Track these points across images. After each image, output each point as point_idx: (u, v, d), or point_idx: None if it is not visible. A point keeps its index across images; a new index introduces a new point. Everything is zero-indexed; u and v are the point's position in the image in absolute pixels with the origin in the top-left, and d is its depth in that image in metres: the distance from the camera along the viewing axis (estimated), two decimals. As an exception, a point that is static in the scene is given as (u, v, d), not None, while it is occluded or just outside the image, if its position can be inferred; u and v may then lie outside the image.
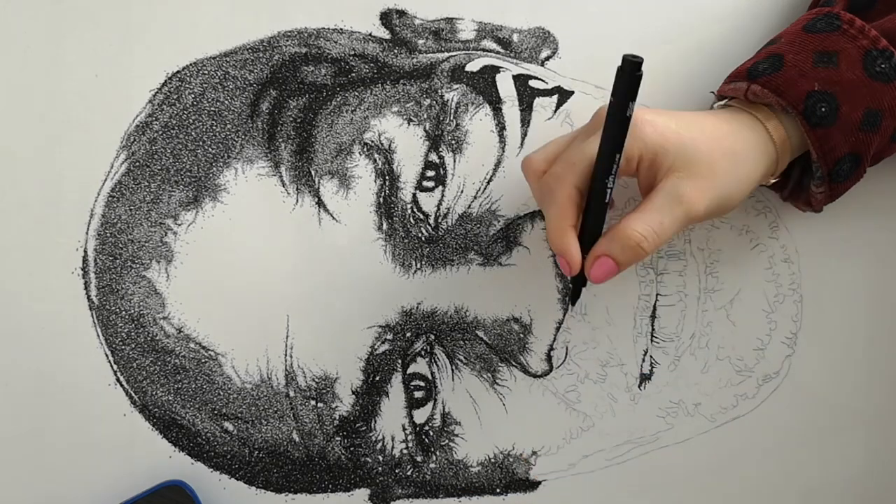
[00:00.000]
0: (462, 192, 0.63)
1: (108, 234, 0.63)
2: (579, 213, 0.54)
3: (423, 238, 0.63)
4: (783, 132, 0.56)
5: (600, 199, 0.52)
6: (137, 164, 0.63)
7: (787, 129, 0.56)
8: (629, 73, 0.49)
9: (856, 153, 0.55)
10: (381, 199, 0.63)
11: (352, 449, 0.64)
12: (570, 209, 0.53)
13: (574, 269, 0.54)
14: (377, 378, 0.63)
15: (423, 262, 0.63)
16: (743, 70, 0.57)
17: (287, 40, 0.64)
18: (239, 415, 0.63)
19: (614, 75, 0.50)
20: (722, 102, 0.60)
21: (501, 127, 0.64)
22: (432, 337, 0.63)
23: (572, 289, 0.58)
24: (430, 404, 0.64)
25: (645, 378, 0.64)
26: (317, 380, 0.63)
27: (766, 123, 0.56)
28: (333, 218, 0.63)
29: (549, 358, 0.64)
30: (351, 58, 0.64)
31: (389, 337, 0.63)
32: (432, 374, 0.63)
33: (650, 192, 0.54)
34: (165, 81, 0.64)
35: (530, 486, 0.64)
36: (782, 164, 0.57)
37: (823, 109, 0.54)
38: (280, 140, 0.63)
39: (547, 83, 0.64)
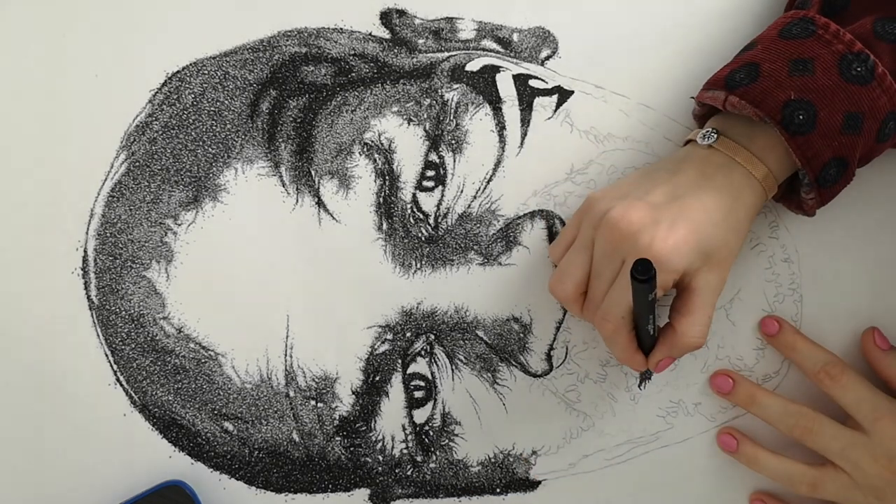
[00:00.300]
0: (462, 191, 0.63)
1: (108, 234, 0.63)
2: (635, 340, 0.58)
3: (423, 238, 0.63)
4: (769, 167, 0.56)
5: (647, 332, 0.57)
6: (137, 164, 0.63)
7: (771, 147, 0.56)
8: (646, 280, 0.49)
9: (840, 157, 0.55)
10: (381, 199, 0.63)
11: (352, 449, 0.64)
12: (630, 345, 0.58)
13: (642, 369, 0.59)
14: (377, 378, 0.63)
15: (423, 262, 0.63)
16: (720, 78, 0.57)
17: (287, 40, 0.64)
18: (239, 415, 0.63)
19: (631, 282, 0.50)
20: (703, 104, 0.59)
21: (501, 126, 0.64)
22: (432, 337, 0.63)
23: (640, 378, 0.64)
24: (430, 404, 0.64)
25: (645, 378, 0.64)
26: (317, 380, 0.63)
27: (753, 171, 0.56)
28: (333, 218, 0.63)
29: (549, 358, 0.63)
30: (351, 57, 0.64)
31: (389, 337, 0.63)
32: (432, 373, 0.63)
33: (686, 293, 0.57)
34: (165, 81, 0.64)
35: (530, 485, 0.64)
36: (774, 190, 0.58)
37: (801, 117, 0.54)
38: (280, 140, 0.63)
39: (547, 83, 0.64)
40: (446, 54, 0.64)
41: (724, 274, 0.57)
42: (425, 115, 0.64)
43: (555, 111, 0.64)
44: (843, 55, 0.54)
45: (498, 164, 0.64)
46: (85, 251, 0.63)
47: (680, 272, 0.55)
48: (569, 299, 0.58)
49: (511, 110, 0.64)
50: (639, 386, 0.64)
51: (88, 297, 0.63)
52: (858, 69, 0.54)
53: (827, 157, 0.55)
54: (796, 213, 0.61)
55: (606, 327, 0.57)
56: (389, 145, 0.63)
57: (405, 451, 0.64)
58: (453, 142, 0.63)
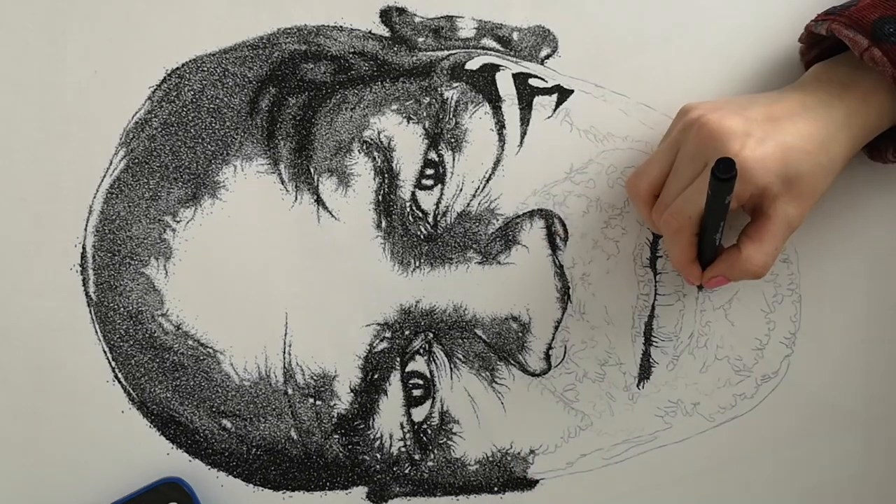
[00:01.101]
0: (461, 190, 0.63)
1: (107, 231, 0.63)
2: (696, 246, 0.58)
3: (421, 236, 0.63)
4: (883, 109, 0.56)
5: (712, 242, 0.57)
6: (136, 160, 0.63)
7: (870, 100, 0.56)
8: (725, 180, 0.49)
9: None
10: (380, 197, 0.63)
11: (350, 447, 0.64)
12: (690, 250, 0.57)
13: (696, 283, 0.60)
14: (375, 376, 0.63)
15: (422, 261, 0.63)
16: (867, 22, 0.55)
17: (287, 38, 0.64)
18: (237, 412, 0.63)
19: (710, 179, 0.50)
20: (823, 29, 0.57)
21: (501, 125, 0.64)
22: (431, 335, 0.63)
23: (698, 287, 0.64)
24: (428, 402, 0.64)
25: (643, 377, 0.64)
26: (315, 377, 0.63)
27: (858, 116, 0.55)
28: (332, 216, 0.63)
29: (547, 357, 0.63)
30: (350, 55, 0.64)
31: (388, 335, 0.63)
32: (431, 372, 0.63)
33: (761, 218, 0.56)
34: (165, 78, 0.64)
35: (528, 484, 0.64)
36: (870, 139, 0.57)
37: None
38: (279, 137, 0.63)
39: (546, 81, 0.64)
40: (446, 53, 0.64)
41: (803, 209, 0.55)
42: (425, 114, 0.63)
43: (554, 110, 0.64)
44: None
45: (497, 162, 0.64)
46: (83, 248, 0.63)
47: (760, 188, 0.54)
48: (640, 197, 0.58)
49: (510, 109, 0.64)
50: (637, 385, 0.64)
51: (87, 294, 0.63)
52: None
53: None
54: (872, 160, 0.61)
55: (672, 225, 0.56)
56: (389, 143, 0.63)
57: (403, 450, 0.64)
58: (453, 140, 0.63)
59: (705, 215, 0.54)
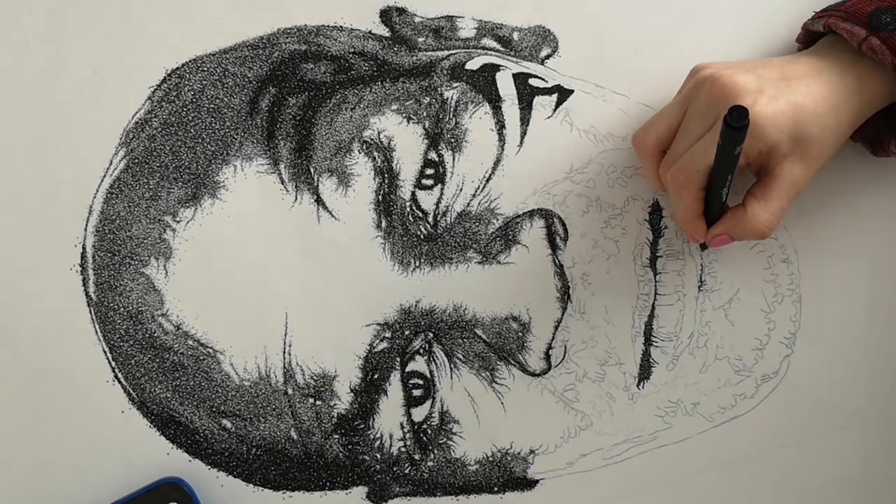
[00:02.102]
0: (461, 190, 0.63)
1: (107, 231, 0.63)
2: (702, 202, 0.57)
3: (421, 236, 0.63)
4: (884, 89, 0.56)
5: (718, 197, 0.56)
6: (136, 160, 0.63)
7: (886, 82, 0.56)
8: (738, 128, 0.49)
9: None
10: (381, 197, 0.63)
11: (350, 447, 0.64)
12: (696, 206, 0.57)
13: (700, 240, 0.60)
14: (375, 376, 0.63)
15: (422, 261, 0.63)
16: (863, 14, 0.56)
17: (287, 38, 0.64)
18: (237, 412, 0.63)
19: (721, 128, 0.50)
20: (821, 23, 0.58)
21: (501, 125, 0.64)
22: (431, 335, 0.63)
23: (700, 245, 0.64)
24: (428, 402, 0.64)
25: (643, 377, 0.64)
26: (315, 377, 0.63)
27: (869, 83, 0.56)
28: (332, 216, 0.63)
29: (547, 357, 0.63)
30: (350, 55, 0.64)
31: (388, 335, 0.63)
32: (431, 372, 0.63)
33: (767, 178, 0.56)
34: (165, 78, 0.64)
35: (528, 484, 0.64)
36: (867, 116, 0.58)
37: None
38: (279, 137, 0.63)
39: (547, 82, 0.64)
40: (446, 53, 0.64)
41: (810, 170, 0.56)
42: (425, 114, 0.63)
43: (554, 110, 0.64)
44: None
45: (497, 162, 0.64)
46: (83, 248, 0.63)
47: (769, 146, 0.54)
48: (646, 151, 0.58)
49: (510, 109, 0.64)
50: (637, 385, 0.64)
51: (87, 294, 0.63)
52: None
53: None
54: (856, 142, 0.61)
55: (679, 179, 0.56)
56: (389, 143, 0.63)
57: (403, 450, 0.64)
58: (453, 140, 0.63)
59: (714, 168, 0.54)
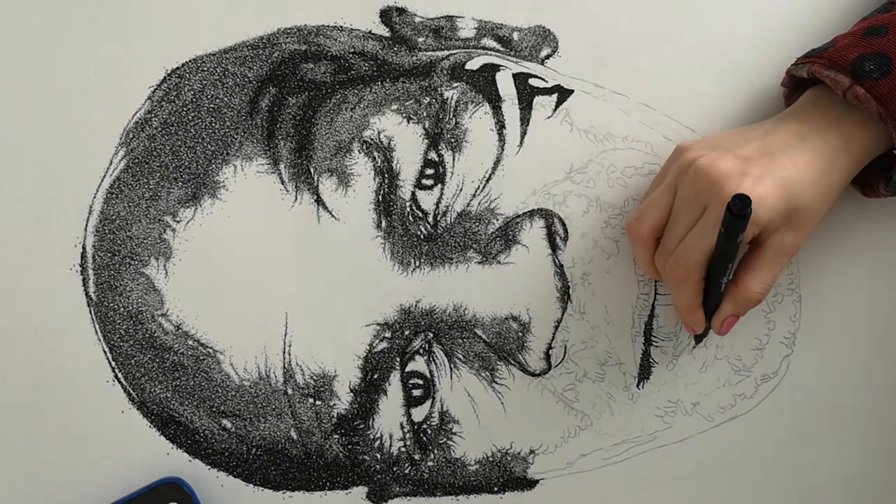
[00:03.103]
0: (461, 190, 0.63)
1: (107, 231, 0.63)
2: (703, 292, 0.57)
3: (421, 236, 0.63)
4: (872, 143, 0.56)
5: (718, 286, 0.56)
6: (136, 160, 0.63)
7: (857, 136, 0.56)
8: (740, 216, 0.49)
9: None
10: (381, 197, 0.63)
11: (350, 447, 0.64)
12: (697, 296, 0.57)
13: (699, 331, 0.60)
14: (375, 376, 0.63)
15: (422, 261, 0.63)
16: (846, 61, 0.55)
17: (287, 37, 0.64)
18: (237, 412, 0.63)
19: (724, 216, 0.50)
20: (804, 69, 0.58)
21: (501, 125, 0.64)
22: (431, 335, 0.63)
23: (696, 339, 0.64)
24: (428, 402, 0.64)
25: (643, 377, 0.64)
26: (315, 377, 0.63)
27: (856, 141, 0.55)
28: (332, 216, 0.63)
29: (547, 357, 0.63)
30: (350, 55, 0.64)
31: (388, 335, 0.63)
32: (430, 372, 0.63)
33: (758, 249, 0.56)
34: (165, 78, 0.64)
35: (528, 484, 0.64)
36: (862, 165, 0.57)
37: None
38: (279, 137, 0.63)
39: (547, 82, 0.64)
40: (446, 53, 0.64)
41: (801, 237, 0.56)
42: (425, 114, 0.63)
43: (554, 110, 0.64)
44: None
45: (497, 162, 0.64)
46: (83, 248, 0.63)
47: (761, 226, 0.54)
48: (642, 239, 0.58)
49: (511, 109, 0.64)
50: (637, 385, 0.64)
51: (87, 294, 0.63)
52: None
53: None
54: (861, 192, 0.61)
55: (678, 272, 0.56)
56: (389, 143, 0.63)
57: (403, 450, 0.64)
58: (453, 140, 0.63)
59: (715, 256, 0.54)
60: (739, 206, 0.48)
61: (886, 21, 0.56)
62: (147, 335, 0.63)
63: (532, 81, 0.64)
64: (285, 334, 0.63)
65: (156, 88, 0.64)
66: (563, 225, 0.63)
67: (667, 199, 0.57)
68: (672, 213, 0.57)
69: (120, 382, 0.63)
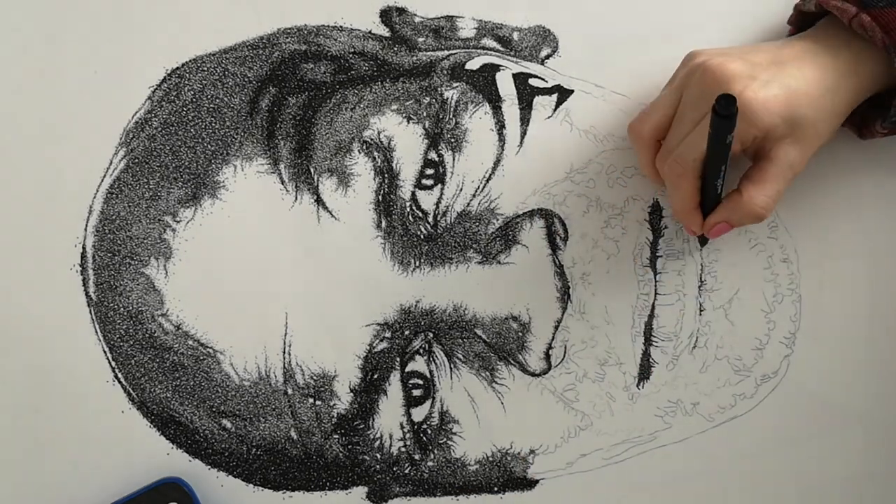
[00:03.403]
0: (461, 190, 0.63)
1: (107, 231, 0.63)
2: (699, 193, 0.57)
3: (421, 236, 0.63)
4: (876, 74, 0.56)
5: (714, 188, 0.56)
6: (136, 160, 0.63)
7: (863, 62, 0.56)
8: (726, 116, 0.49)
9: None
10: (381, 197, 0.63)
11: (350, 447, 0.64)
12: (693, 196, 0.57)
13: (697, 233, 0.59)
14: (375, 376, 0.63)
15: (422, 261, 0.63)
16: None
17: (287, 38, 0.64)
18: (237, 412, 0.63)
19: (711, 116, 0.50)
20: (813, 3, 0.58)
21: (501, 125, 0.64)
22: (431, 335, 0.63)
23: (699, 240, 0.63)
24: (428, 402, 0.64)
25: (643, 377, 0.64)
26: (315, 377, 0.63)
27: (864, 64, 0.55)
28: (332, 216, 0.63)
29: (547, 357, 0.63)
30: (350, 55, 0.64)
31: (388, 335, 0.63)
32: (431, 372, 0.63)
33: (763, 161, 0.56)
34: (165, 78, 0.64)
35: (528, 484, 0.64)
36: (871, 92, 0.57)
37: None
38: (279, 137, 0.63)
39: (547, 81, 0.64)
40: (446, 53, 0.64)
41: (806, 152, 0.55)
42: (425, 114, 0.63)
43: (554, 110, 0.64)
44: None
45: (497, 162, 0.64)
46: (83, 248, 0.63)
47: (763, 130, 0.54)
48: (642, 139, 0.58)
49: (511, 109, 0.64)
50: (637, 385, 0.64)
51: (87, 294, 0.63)
52: None
53: None
54: (847, 128, 0.61)
55: (675, 170, 0.56)
56: (389, 143, 0.63)
57: (403, 450, 0.64)
58: (453, 140, 0.63)
59: (707, 157, 0.54)
60: (724, 106, 0.48)
61: None
62: (147, 335, 0.63)
63: (532, 81, 0.64)
64: (285, 334, 0.63)
65: (156, 88, 0.64)
66: (563, 225, 0.63)
67: (672, 101, 0.57)
68: (677, 113, 0.57)
69: (120, 382, 0.63)
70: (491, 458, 0.64)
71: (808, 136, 0.55)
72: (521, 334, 0.63)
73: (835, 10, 0.56)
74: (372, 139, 0.63)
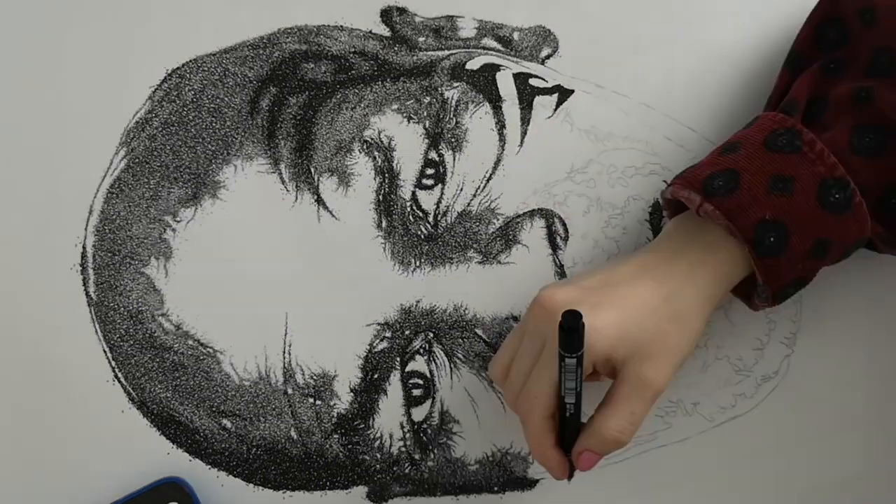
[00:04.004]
0: (461, 190, 0.63)
1: (107, 231, 0.63)
2: (554, 427, 0.56)
3: (422, 236, 0.63)
4: (733, 256, 0.54)
5: (573, 418, 0.55)
6: (137, 160, 0.63)
7: (734, 247, 0.54)
8: (572, 331, 0.49)
9: (802, 278, 0.54)
10: (381, 197, 0.63)
11: (350, 447, 0.64)
12: (544, 434, 0.55)
13: (560, 476, 0.57)
14: (376, 376, 0.63)
15: (423, 260, 0.63)
16: (698, 180, 0.54)
17: (287, 37, 0.64)
18: (237, 412, 0.63)
19: (558, 332, 0.49)
20: (669, 191, 0.57)
21: (501, 125, 0.64)
22: (431, 335, 0.63)
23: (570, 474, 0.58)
24: (428, 402, 0.64)
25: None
26: (315, 377, 0.63)
27: (717, 252, 0.54)
28: (333, 215, 0.63)
29: (547, 357, 0.63)
30: (351, 55, 0.64)
31: (388, 335, 0.63)
32: (431, 372, 0.63)
33: (615, 383, 0.54)
34: (165, 78, 0.64)
35: (528, 484, 0.64)
36: (727, 290, 0.56)
37: (772, 239, 0.52)
38: (280, 137, 0.63)
39: (547, 81, 0.64)
40: (446, 52, 0.64)
41: (662, 366, 0.53)
42: (425, 113, 0.64)
43: (555, 110, 0.64)
44: (824, 179, 0.52)
45: (498, 162, 0.64)
46: (84, 247, 0.63)
47: (601, 357, 0.53)
48: (497, 381, 0.58)
49: (511, 109, 0.64)
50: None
51: (87, 294, 0.63)
52: (837, 196, 0.52)
53: (789, 279, 0.54)
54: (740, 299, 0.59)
55: (522, 407, 0.55)
56: (389, 143, 0.63)
57: (403, 449, 0.64)
58: (453, 140, 0.63)
59: (561, 387, 0.52)
60: (569, 321, 0.47)
61: (743, 137, 0.55)
62: (147, 335, 0.63)
63: (532, 81, 0.64)
64: (285, 334, 0.63)
65: (156, 88, 0.64)
66: (564, 225, 0.63)
67: (517, 339, 0.56)
68: (519, 350, 0.56)
69: (120, 382, 0.63)
70: (491, 458, 0.64)
71: (656, 350, 0.53)
72: (521, 334, 0.63)
73: (684, 200, 0.55)
74: (372, 139, 0.63)
